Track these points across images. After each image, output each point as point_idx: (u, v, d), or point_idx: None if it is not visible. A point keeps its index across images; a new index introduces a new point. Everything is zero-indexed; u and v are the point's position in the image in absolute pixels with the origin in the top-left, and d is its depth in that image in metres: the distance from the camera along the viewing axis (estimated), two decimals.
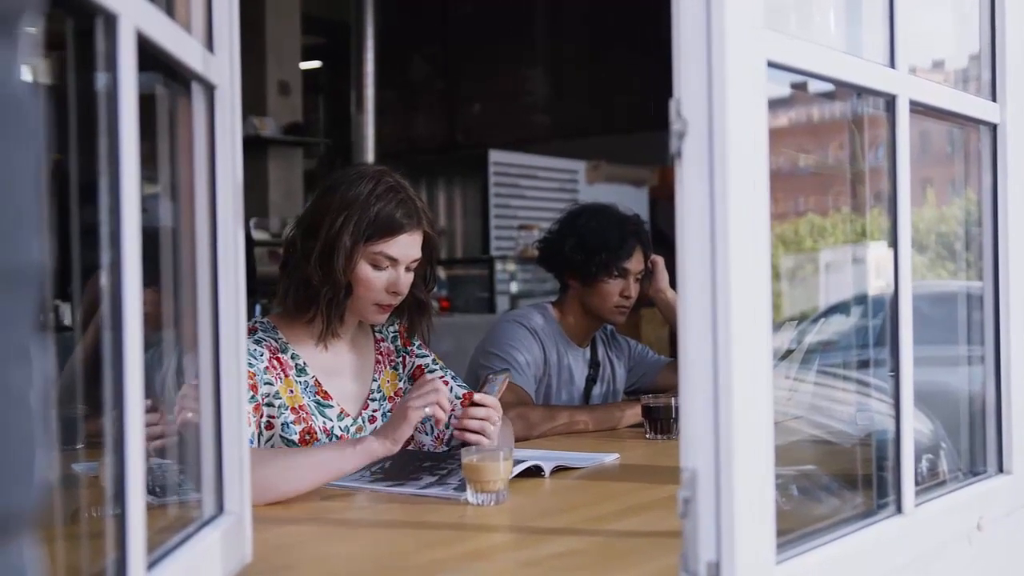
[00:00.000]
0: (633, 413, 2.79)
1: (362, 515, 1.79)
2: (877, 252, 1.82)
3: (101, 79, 0.98)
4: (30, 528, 0.57)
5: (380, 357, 2.36)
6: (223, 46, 1.34)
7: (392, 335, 2.40)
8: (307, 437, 2.15)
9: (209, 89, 1.31)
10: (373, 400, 2.31)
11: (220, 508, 1.34)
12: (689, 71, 1.15)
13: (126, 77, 0.99)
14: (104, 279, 0.99)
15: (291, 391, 2.16)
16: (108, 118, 0.97)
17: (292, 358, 2.21)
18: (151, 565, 1.05)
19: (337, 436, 2.20)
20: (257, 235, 6.89)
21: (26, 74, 0.56)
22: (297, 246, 2.19)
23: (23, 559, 0.55)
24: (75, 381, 1.83)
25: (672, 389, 2.92)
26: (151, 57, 1.08)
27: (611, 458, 2.31)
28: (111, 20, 0.97)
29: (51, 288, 0.64)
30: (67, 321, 2.74)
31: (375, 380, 2.33)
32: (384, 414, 2.30)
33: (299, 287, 2.19)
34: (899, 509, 1.48)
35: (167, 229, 1.31)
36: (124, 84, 0.98)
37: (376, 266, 2.17)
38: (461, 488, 1.87)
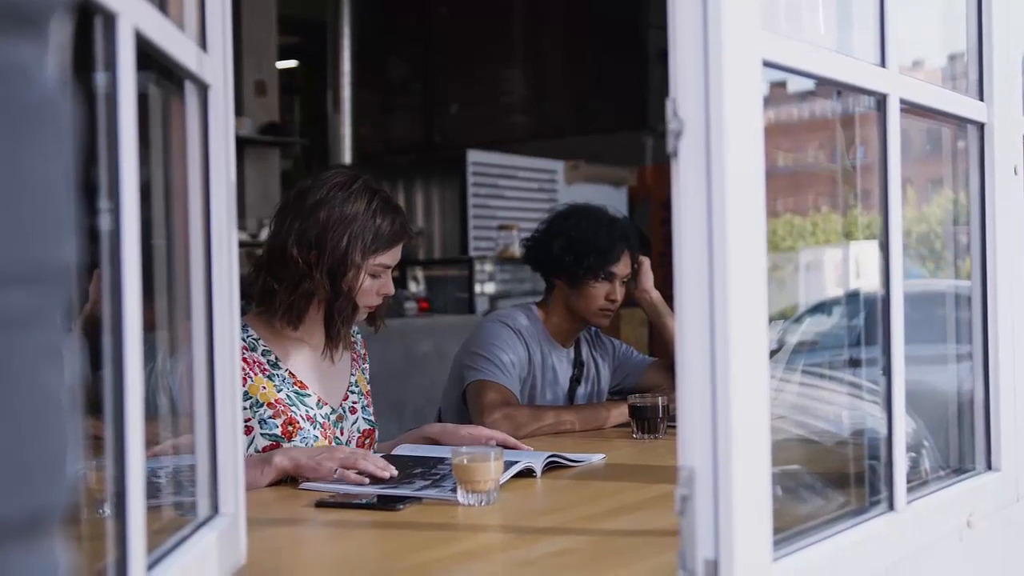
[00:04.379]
0: (619, 413, 2.79)
1: (355, 517, 1.78)
2: (858, 251, 1.83)
3: (99, 78, 0.97)
4: (61, 527, 0.56)
5: (354, 355, 2.41)
6: (216, 45, 1.33)
7: (358, 341, 2.45)
8: (289, 428, 2.17)
9: (203, 89, 1.30)
10: (352, 392, 2.34)
11: (215, 509, 1.33)
12: (686, 71, 1.15)
13: (125, 76, 0.98)
14: (102, 279, 0.98)
15: (264, 387, 2.16)
16: (108, 117, 0.97)
17: (263, 354, 2.22)
18: (150, 566, 1.05)
19: (320, 424, 2.22)
20: None
21: (56, 73, 0.55)
22: (296, 258, 2.18)
23: (56, 557, 0.55)
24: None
25: (656, 389, 2.93)
26: (145, 56, 1.07)
27: (598, 458, 2.31)
28: (110, 19, 0.96)
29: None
30: None
31: (352, 375, 2.38)
32: (364, 407, 2.36)
33: (303, 300, 2.19)
34: (891, 506, 1.49)
35: (159, 229, 1.30)
36: (123, 83, 0.97)
37: (375, 276, 2.24)
38: (456, 491, 1.86)
